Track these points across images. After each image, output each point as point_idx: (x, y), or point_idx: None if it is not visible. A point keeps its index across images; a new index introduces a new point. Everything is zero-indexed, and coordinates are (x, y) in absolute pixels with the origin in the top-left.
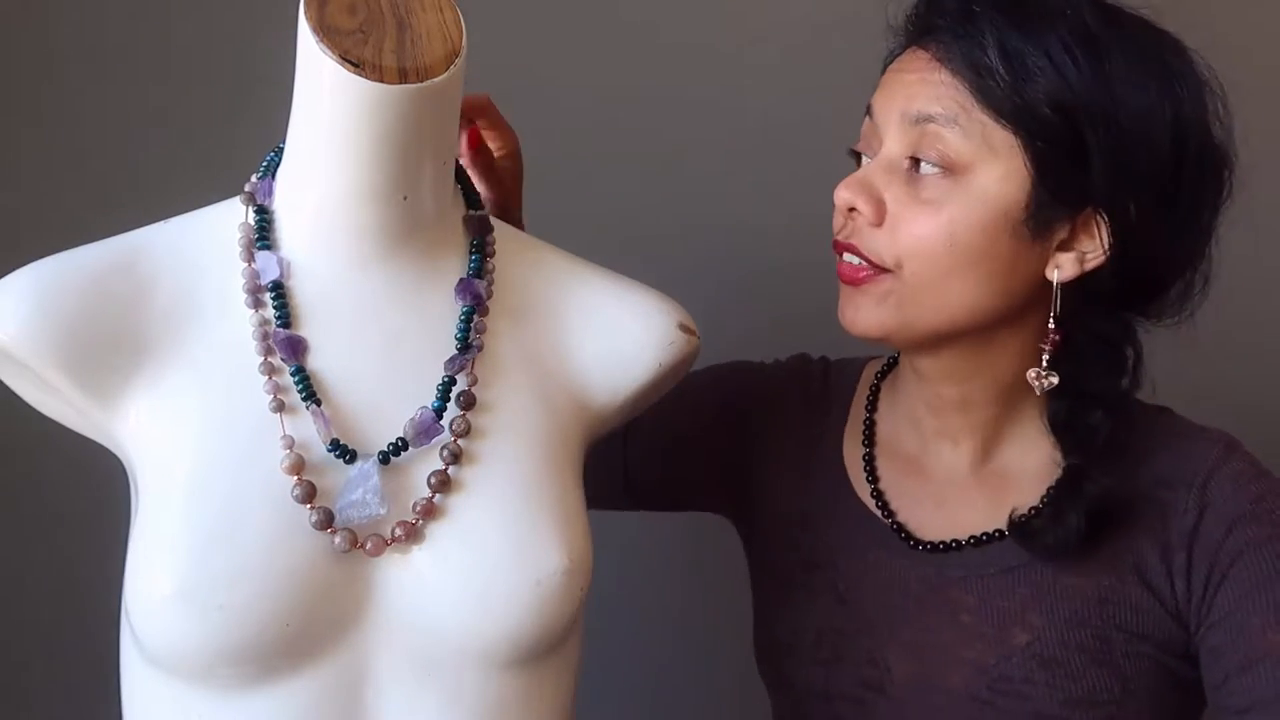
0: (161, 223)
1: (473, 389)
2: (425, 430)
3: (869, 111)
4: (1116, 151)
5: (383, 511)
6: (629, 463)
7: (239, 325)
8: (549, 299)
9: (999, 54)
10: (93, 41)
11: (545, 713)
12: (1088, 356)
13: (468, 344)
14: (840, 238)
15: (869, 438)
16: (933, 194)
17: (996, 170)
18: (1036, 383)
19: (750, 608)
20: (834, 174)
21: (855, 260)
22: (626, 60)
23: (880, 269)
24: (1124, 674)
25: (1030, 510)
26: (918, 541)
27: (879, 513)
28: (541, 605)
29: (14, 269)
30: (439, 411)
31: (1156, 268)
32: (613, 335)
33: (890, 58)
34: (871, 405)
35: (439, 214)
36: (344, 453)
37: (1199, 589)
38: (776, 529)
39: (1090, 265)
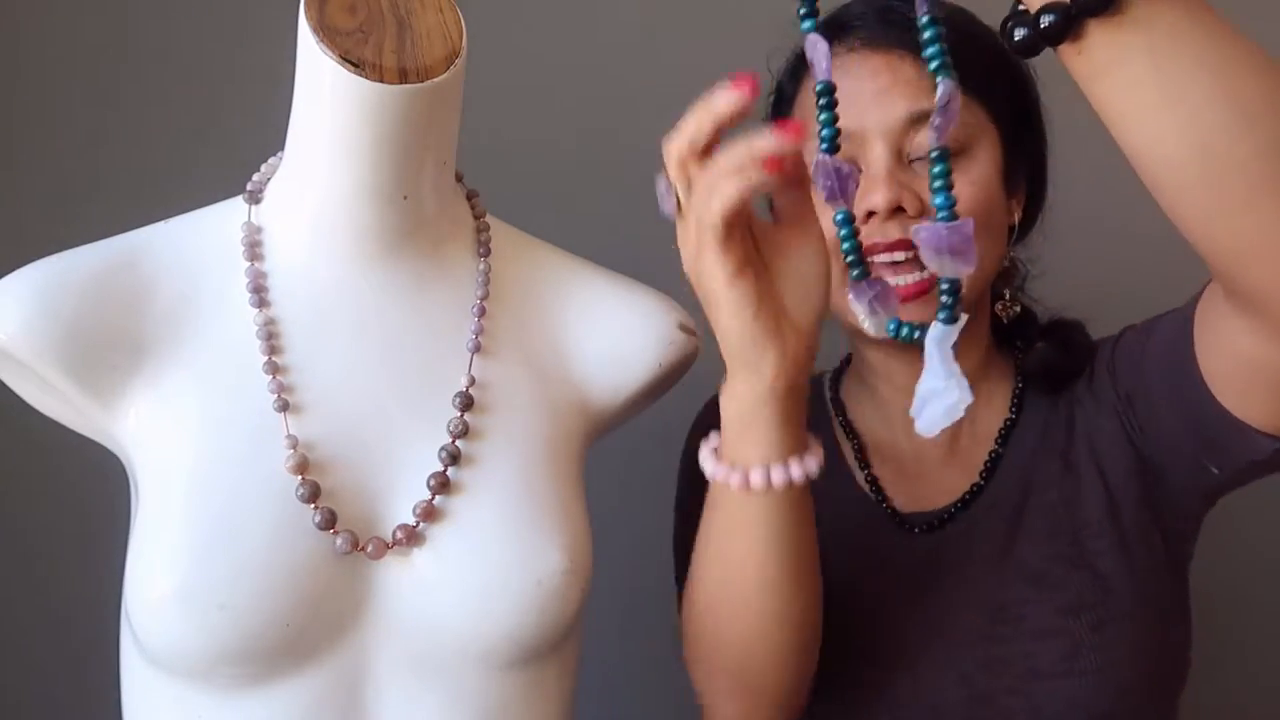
0: (162, 222)
1: (471, 390)
2: None
3: None
4: (1032, 107)
5: (969, 399)
6: None
7: (241, 324)
8: (549, 299)
9: (960, 41)
10: (94, 42)
11: (545, 713)
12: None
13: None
14: (881, 239)
15: (850, 431)
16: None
17: (986, 139)
18: (1004, 313)
19: None
20: None
21: (905, 273)
22: (628, 59)
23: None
24: (1099, 572)
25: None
26: (911, 523)
27: (874, 497)
28: (542, 605)
29: (14, 269)
30: None
31: (1040, 200)
32: (613, 335)
33: (793, 78)
34: (839, 409)
35: (439, 213)
36: None
37: (1126, 404)
38: None
39: (1022, 206)
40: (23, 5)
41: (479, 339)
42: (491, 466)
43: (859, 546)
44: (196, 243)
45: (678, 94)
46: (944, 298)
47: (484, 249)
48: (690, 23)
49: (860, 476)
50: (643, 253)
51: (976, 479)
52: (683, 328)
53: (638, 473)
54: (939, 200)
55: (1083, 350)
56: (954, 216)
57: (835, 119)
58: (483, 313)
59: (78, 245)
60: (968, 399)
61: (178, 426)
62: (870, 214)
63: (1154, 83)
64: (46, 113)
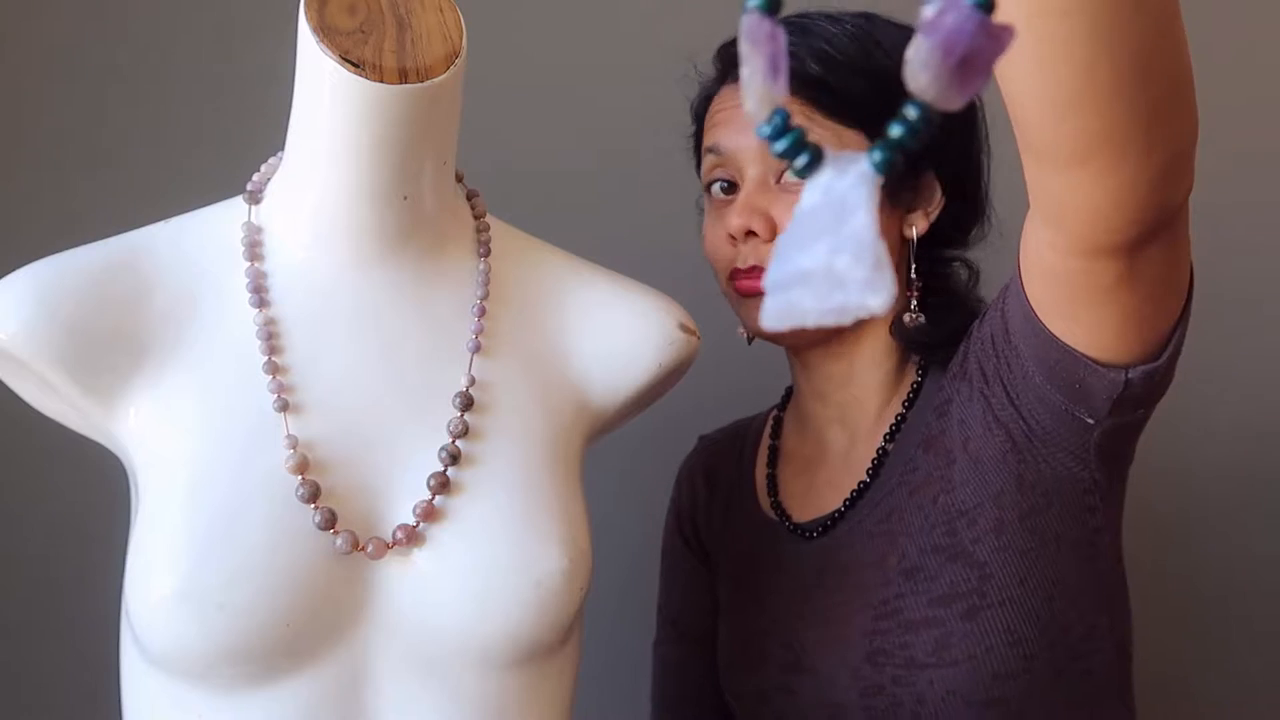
0: (162, 222)
1: (471, 390)
2: None
3: (713, 150)
4: (961, 119)
5: (876, 306)
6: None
7: (241, 324)
8: (549, 299)
9: (821, 67)
10: (93, 41)
11: (545, 713)
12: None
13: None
14: (740, 265)
15: (772, 460)
16: None
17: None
18: (911, 324)
19: None
20: None
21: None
22: (628, 59)
23: None
24: (976, 560)
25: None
26: (808, 529)
27: (778, 519)
28: (542, 605)
29: (14, 269)
30: None
31: (975, 200)
32: (613, 335)
33: (703, 102)
34: (775, 432)
35: (439, 213)
36: None
37: (994, 380)
38: (719, 569)
39: (933, 217)
40: (23, 5)
41: (479, 339)
42: (492, 466)
43: (766, 565)
44: (196, 242)
45: (678, 94)
46: (895, 129)
47: (484, 249)
48: (691, 23)
49: (766, 503)
50: (643, 253)
51: (864, 477)
52: (683, 328)
53: (638, 473)
54: None
55: (959, 316)
56: (987, 6)
57: None
58: (483, 313)
59: (78, 245)
60: (872, 305)
61: (178, 426)
62: (731, 237)
63: None
64: (46, 113)
